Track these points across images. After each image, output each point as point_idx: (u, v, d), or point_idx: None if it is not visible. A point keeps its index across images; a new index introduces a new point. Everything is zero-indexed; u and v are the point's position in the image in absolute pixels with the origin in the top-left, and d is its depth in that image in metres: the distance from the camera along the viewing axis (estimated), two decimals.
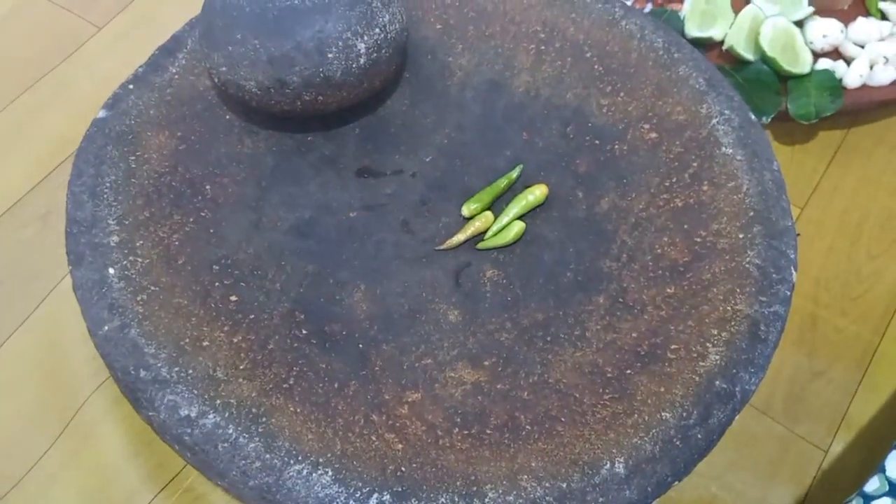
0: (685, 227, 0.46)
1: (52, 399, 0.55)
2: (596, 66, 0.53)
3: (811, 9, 0.68)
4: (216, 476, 0.37)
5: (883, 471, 0.46)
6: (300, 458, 0.37)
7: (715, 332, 0.42)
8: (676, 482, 0.38)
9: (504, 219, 0.47)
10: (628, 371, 0.41)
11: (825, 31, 0.67)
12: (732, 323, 0.42)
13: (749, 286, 0.43)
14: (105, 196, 0.46)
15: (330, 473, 0.37)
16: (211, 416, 0.38)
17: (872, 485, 0.46)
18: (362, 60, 0.47)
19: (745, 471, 0.52)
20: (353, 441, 0.38)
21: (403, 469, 0.37)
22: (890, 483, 0.45)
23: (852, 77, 0.65)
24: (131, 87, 0.51)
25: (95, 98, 0.51)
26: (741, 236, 0.45)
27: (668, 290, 0.44)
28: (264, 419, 0.39)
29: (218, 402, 0.39)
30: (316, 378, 0.41)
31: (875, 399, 0.55)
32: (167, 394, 0.39)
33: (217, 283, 0.44)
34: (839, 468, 0.53)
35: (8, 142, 0.68)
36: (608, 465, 0.38)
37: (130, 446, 0.53)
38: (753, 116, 0.49)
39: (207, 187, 0.48)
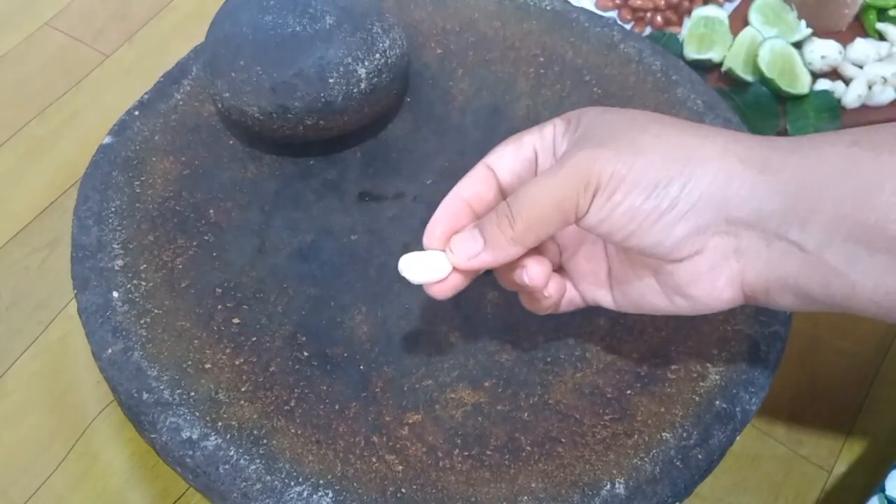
0: None
1: (58, 423, 0.56)
2: (595, 90, 0.53)
3: (809, 30, 0.69)
4: (218, 498, 0.38)
5: (883, 490, 0.45)
6: (301, 479, 0.37)
7: (715, 352, 0.42)
8: (677, 503, 0.38)
9: None
10: (628, 392, 0.41)
11: (823, 52, 0.67)
12: (732, 343, 0.42)
13: (749, 306, 0.43)
14: (110, 221, 0.47)
15: (330, 495, 0.37)
16: (213, 438, 0.39)
17: None
18: (363, 85, 0.48)
19: (747, 493, 0.52)
20: (353, 463, 0.39)
21: (404, 490, 0.38)
22: (890, 502, 0.45)
23: (851, 97, 0.65)
24: (137, 113, 0.52)
25: (102, 125, 0.52)
26: None
27: None
28: (265, 441, 0.39)
29: (220, 424, 0.39)
30: (317, 400, 0.41)
31: (878, 419, 0.55)
32: (169, 416, 0.39)
33: (220, 307, 0.45)
34: (843, 489, 0.52)
35: (16, 169, 0.69)
36: (608, 486, 0.38)
37: (135, 470, 0.54)
38: None
39: (211, 212, 0.49)
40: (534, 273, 0.34)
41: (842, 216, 0.28)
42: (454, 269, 0.34)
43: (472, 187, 0.34)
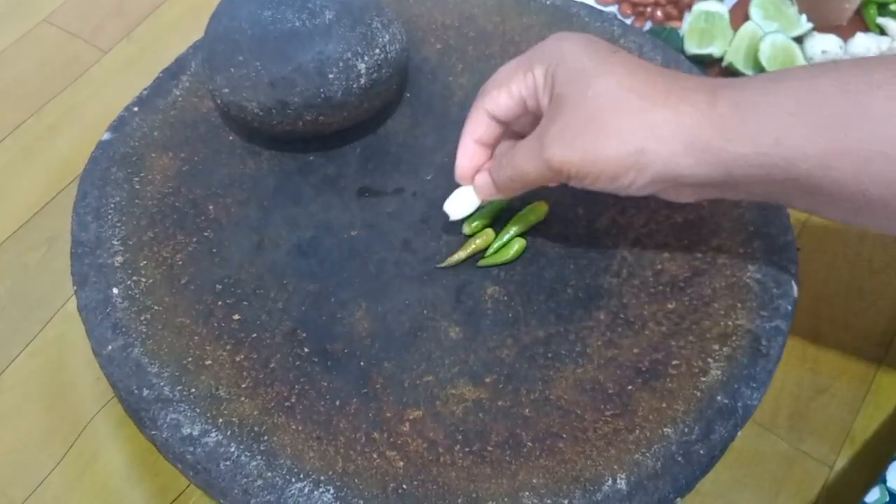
0: (685, 242, 0.46)
1: (57, 421, 0.55)
2: None
3: (810, 25, 0.69)
4: (219, 495, 0.38)
5: (884, 481, 0.45)
6: (302, 476, 0.37)
7: (716, 347, 0.42)
8: (678, 498, 0.38)
9: (504, 236, 0.47)
10: (629, 387, 0.41)
11: (824, 46, 0.67)
12: (733, 338, 0.42)
13: (750, 301, 0.43)
14: (109, 217, 0.47)
15: (331, 491, 0.37)
16: (213, 434, 0.38)
17: (873, 496, 0.45)
18: (363, 81, 0.47)
19: (749, 488, 0.52)
20: (354, 459, 0.39)
21: (405, 486, 0.38)
22: (891, 494, 0.45)
23: None
24: (136, 109, 0.52)
25: (101, 121, 0.52)
26: (741, 251, 0.45)
27: (669, 306, 0.44)
28: (266, 437, 0.39)
29: (220, 420, 0.39)
30: (317, 396, 0.41)
31: (880, 414, 0.55)
32: (170, 413, 0.39)
33: (220, 303, 0.44)
34: (844, 484, 0.52)
35: (15, 165, 0.69)
36: (610, 482, 0.37)
37: (135, 467, 0.54)
38: None
39: (210, 208, 0.49)
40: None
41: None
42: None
43: (478, 130, 0.42)
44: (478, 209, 0.45)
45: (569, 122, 0.37)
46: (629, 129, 0.36)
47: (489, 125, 0.42)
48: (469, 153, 0.43)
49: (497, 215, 0.48)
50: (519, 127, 0.43)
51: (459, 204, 0.45)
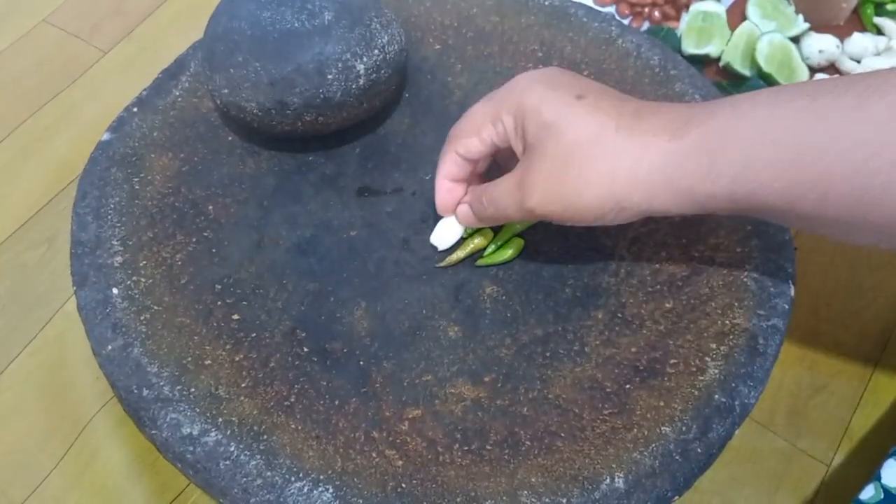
0: (683, 241, 0.46)
1: (56, 420, 0.56)
2: None
3: (807, 25, 0.69)
4: (219, 494, 0.38)
5: (879, 479, 0.46)
6: (301, 475, 0.38)
7: (713, 345, 0.42)
8: (677, 497, 0.38)
9: (503, 236, 0.47)
10: (627, 386, 0.41)
11: (821, 46, 0.67)
12: (731, 337, 0.42)
13: (747, 300, 0.43)
14: (109, 217, 0.47)
15: (331, 490, 0.37)
16: (213, 433, 0.39)
17: (867, 493, 0.45)
18: (362, 81, 0.48)
19: (747, 486, 0.52)
20: (353, 458, 0.39)
21: (404, 485, 0.38)
22: (885, 491, 0.45)
23: None
24: (135, 109, 0.52)
25: (100, 121, 0.52)
26: (739, 250, 0.45)
27: (667, 305, 0.44)
28: (265, 437, 0.39)
29: (220, 420, 0.39)
30: (317, 395, 0.41)
31: (877, 412, 0.55)
32: (169, 412, 0.39)
33: (219, 303, 0.45)
34: (841, 482, 0.53)
35: (14, 166, 0.69)
36: (608, 480, 0.38)
37: (134, 466, 0.54)
38: None
39: (210, 208, 0.49)
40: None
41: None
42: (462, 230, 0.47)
43: (452, 170, 0.44)
44: (461, 238, 0.47)
45: (546, 173, 0.38)
46: (604, 176, 0.37)
47: (462, 164, 0.44)
48: (445, 189, 0.45)
49: None
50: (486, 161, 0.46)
51: (445, 235, 0.47)
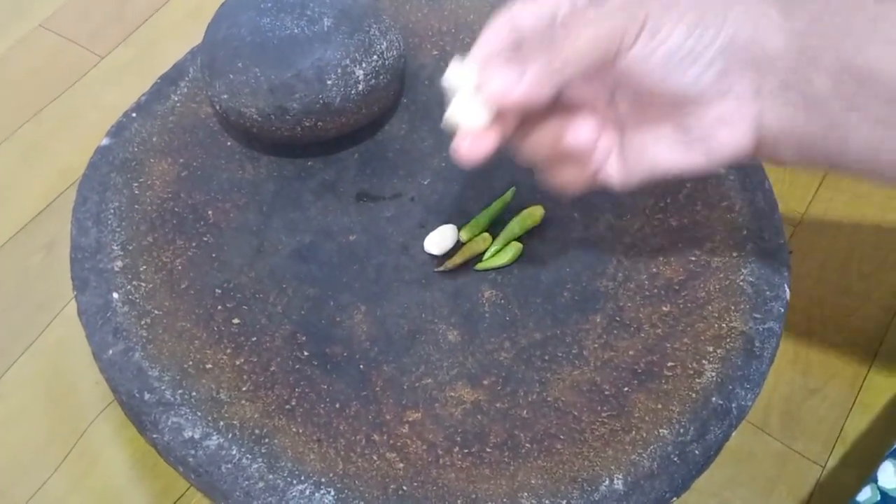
0: (680, 246, 0.47)
1: (57, 423, 0.56)
2: None
3: None
4: (220, 497, 0.38)
5: (875, 480, 0.46)
6: (303, 478, 0.38)
7: (710, 349, 0.42)
8: (675, 498, 0.38)
9: (501, 240, 0.48)
10: (626, 389, 0.42)
11: None
12: (727, 340, 0.43)
13: (743, 303, 0.44)
14: (109, 222, 0.47)
15: (332, 493, 0.37)
16: (214, 437, 0.39)
17: (864, 494, 0.46)
18: (361, 87, 0.48)
19: (743, 487, 0.53)
20: (354, 461, 0.39)
21: (405, 488, 0.38)
22: (882, 492, 0.45)
23: None
24: (134, 115, 0.52)
25: (99, 127, 0.52)
26: (735, 255, 0.46)
27: (664, 309, 0.45)
28: (267, 440, 0.39)
29: (221, 423, 0.39)
30: (318, 399, 0.42)
31: (870, 414, 0.56)
32: (171, 416, 0.39)
33: (220, 307, 0.45)
34: (836, 483, 0.53)
35: (13, 171, 0.69)
36: (607, 482, 0.38)
37: (135, 469, 0.54)
38: None
39: (210, 213, 0.49)
40: (583, 132, 0.35)
41: (844, 65, 0.30)
42: (488, 115, 0.34)
43: (493, 44, 0.34)
44: (454, 246, 0.47)
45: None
46: None
47: (506, 36, 0.34)
48: (492, 41, 0.34)
49: (494, 220, 0.49)
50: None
51: (439, 241, 0.47)
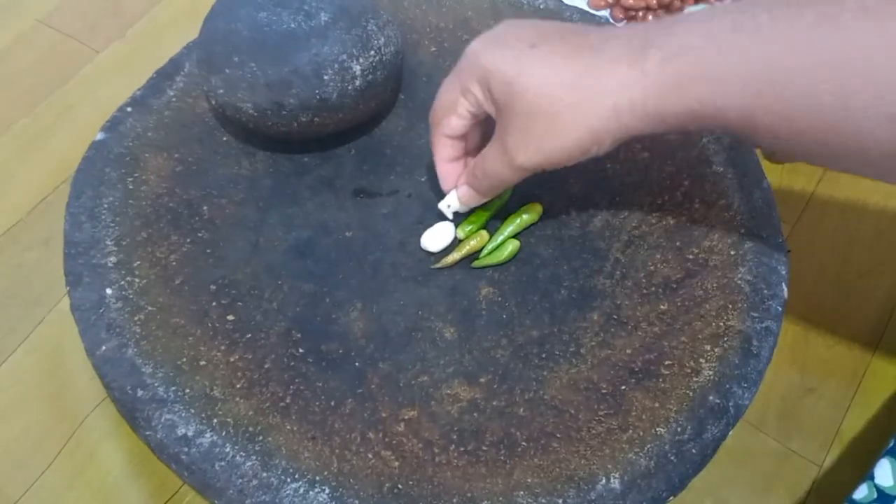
0: (677, 244, 0.47)
1: (52, 419, 0.55)
2: None
3: None
4: (214, 494, 0.38)
5: (872, 478, 0.46)
6: (297, 475, 0.38)
7: (708, 347, 0.42)
8: (672, 497, 0.38)
9: (499, 237, 0.47)
10: (623, 387, 0.42)
11: None
12: (725, 338, 0.43)
13: (741, 302, 0.44)
14: (103, 217, 0.47)
15: (327, 491, 0.37)
16: (208, 434, 0.39)
17: (861, 492, 0.46)
18: (358, 82, 0.48)
19: (740, 486, 0.53)
20: (349, 459, 0.39)
21: (400, 486, 0.38)
22: (878, 490, 0.45)
23: None
24: (129, 109, 0.52)
25: (95, 121, 0.52)
26: (732, 253, 0.45)
27: (661, 307, 0.44)
28: (261, 437, 0.39)
29: (215, 420, 0.39)
30: (313, 396, 0.41)
31: (867, 414, 0.56)
32: (164, 413, 0.39)
33: (214, 303, 0.45)
34: (833, 482, 0.53)
35: (9, 165, 0.68)
36: (604, 481, 0.38)
37: (131, 466, 0.54)
38: None
39: (205, 208, 0.49)
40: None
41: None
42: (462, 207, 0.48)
43: (446, 152, 0.46)
44: (451, 243, 0.48)
45: (522, 129, 0.40)
46: (577, 117, 0.38)
47: (452, 143, 0.45)
48: (446, 171, 0.47)
49: (491, 217, 0.49)
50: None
51: (436, 238, 0.48)
